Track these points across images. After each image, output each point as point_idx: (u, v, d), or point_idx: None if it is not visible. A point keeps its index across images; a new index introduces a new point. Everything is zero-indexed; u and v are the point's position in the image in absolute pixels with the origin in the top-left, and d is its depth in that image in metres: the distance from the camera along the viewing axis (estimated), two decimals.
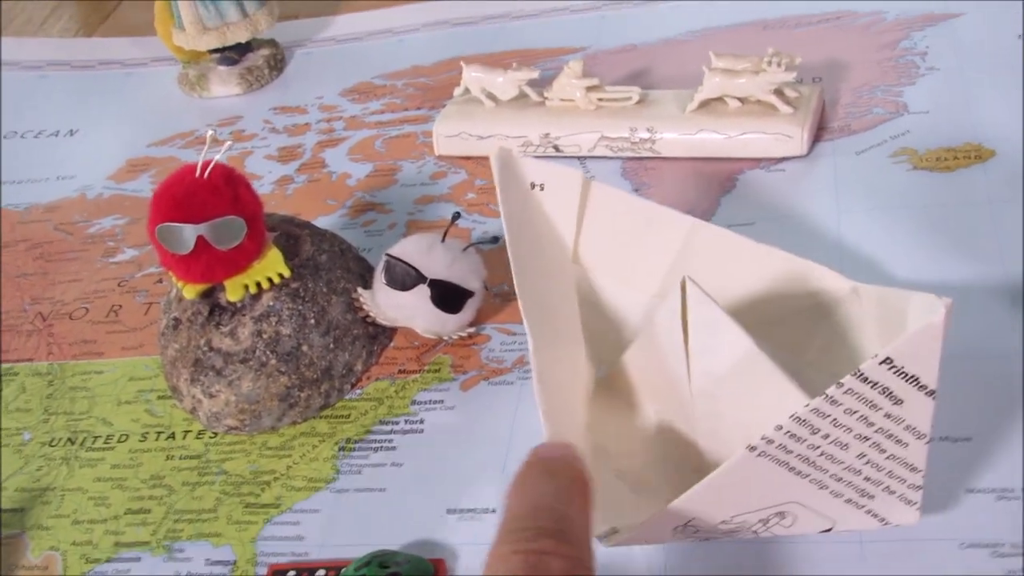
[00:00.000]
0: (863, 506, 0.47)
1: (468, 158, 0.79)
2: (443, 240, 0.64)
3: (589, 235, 0.59)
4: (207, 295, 0.64)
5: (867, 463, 0.45)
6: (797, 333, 0.55)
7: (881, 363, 0.41)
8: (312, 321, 0.63)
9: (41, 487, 0.64)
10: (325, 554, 0.56)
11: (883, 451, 0.44)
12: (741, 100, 0.73)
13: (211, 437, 0.64)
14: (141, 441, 0.65)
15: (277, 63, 0.96)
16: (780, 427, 0.42)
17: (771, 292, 0.56)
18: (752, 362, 0.49)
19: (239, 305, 0.63)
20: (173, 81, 0.99)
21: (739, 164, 0.72)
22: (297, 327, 0.62)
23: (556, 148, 0.77)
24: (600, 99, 0.76)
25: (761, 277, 0.56)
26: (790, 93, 0.73)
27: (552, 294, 0.56)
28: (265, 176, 0.84)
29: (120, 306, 0.76)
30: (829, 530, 0.48)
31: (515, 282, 0.53)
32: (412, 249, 0.64)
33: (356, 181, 0.81)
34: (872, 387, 0.42)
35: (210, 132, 0.63)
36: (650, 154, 0.75)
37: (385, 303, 0.64)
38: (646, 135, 0.74)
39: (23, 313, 0.78)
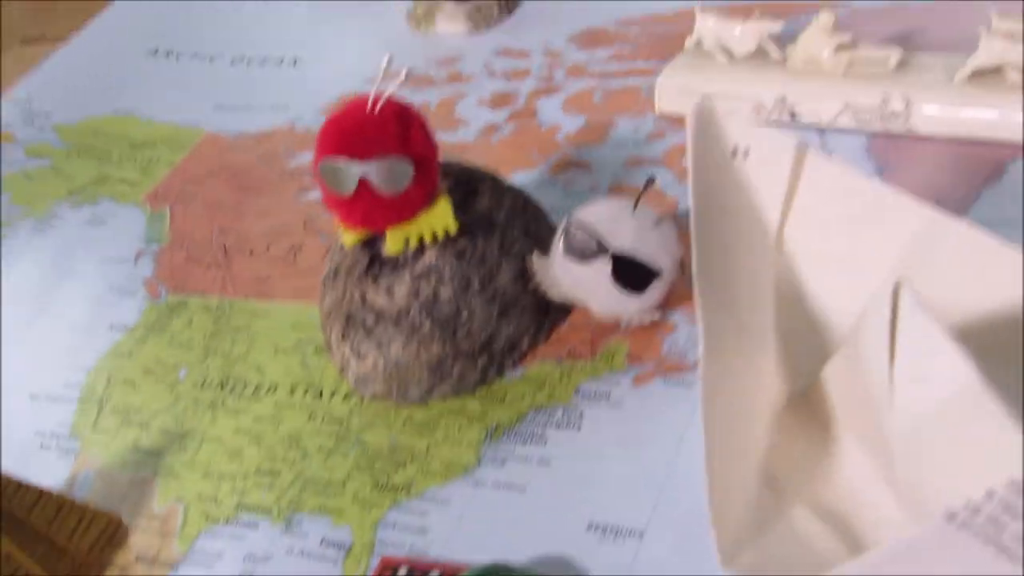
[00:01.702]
0: None
1: None
2: (634, 209, 0.55)
3: (799, 217, 0.48)
4: (369, 245, 0.58)
5: None
6: None
7: None
8: (477, 285, 0.55)
9: (183, 431, 0.60)
10: (446, 552, 0.49)
11: None
12: None
13: (357, 401, 0.58)
14: (289, 395, 0.60)
15: (509, 3, 0.89)
16: (992, 493, 0.32)
17: (1014, 313, 0.44)
18: (974, 401, 0.38)
19: (400, 259, 0.57)
20: (403, 16, 0.93)
21: (1012, 150, 0.59)
22: (459, 290, 0.55)
23: (792, 115, 0.66)
24: (851, 61, 0.65)
25: (1015, 297, 0.44)
26: None
27: (742, 285, 0.47)
28: (472, 122, 0.77)
29: (301, 246, 0.71)
30: None
31: (694, 265, 0.44)
32: (598, 215, 0.56)
33: (565, 135, 0.72)
34: None
35: (386, 58, 0.55)
36: (903, 130, 0.63)
37: (561, 274, 0.56)
38: (900, 107, 0.62)
39: (209, 245, 0.74)
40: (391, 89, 0.54)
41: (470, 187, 0.59)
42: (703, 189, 0.46)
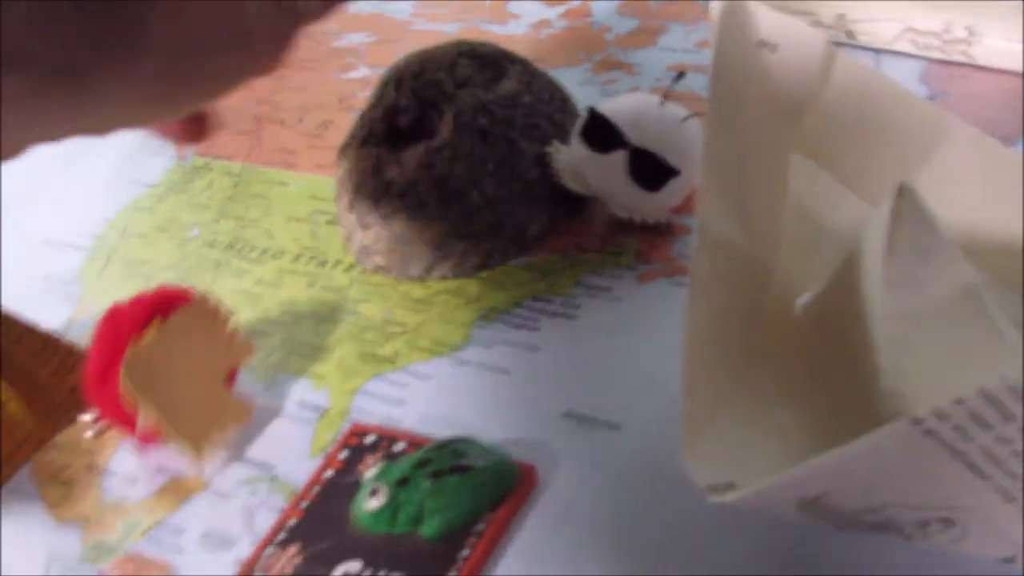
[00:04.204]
0: None
1: None
2: (662, 104, 0.53)
3: (822, 119, 0.46)
4: (390, 115, 0.56)
5: None
6: None
7: None
8: (492, 166, 0.54)
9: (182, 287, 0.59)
10: (420, 425, 0.48)
11: None
12: None
13: (359, 273, 0.57)
14: (292, 261, 0.59)
15: None
16: (961, 401, 0.29)
17: None
18: (965, 307, 0.35)
19: (419, 133, 0.55)
20: None
21: None
22: (472, 169, 0.53)
23: (849, 34, 0.63)
24: None
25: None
26: None
27: (752, 182, 0.44)
28: (523, 16, 0.75)
29: (332, 122, 0.70)
30: (1012, 560, 0.34)
31: (703, 154, 0.42)
32: (622, 108, 0.53)
33: (615, 35, 0.70)
34: None
35: None
36: (963, 59, 0.59)
37: (580, 164, 0.54)
38: (963, 34, 0.59)
39: (243, 113, 0.73)
40: None
41: (499, 69, 0.57)
42: (723, 78, 0.43)
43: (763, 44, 0.45)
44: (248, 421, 0.50)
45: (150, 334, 0.48)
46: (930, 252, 0.36)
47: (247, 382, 0.52)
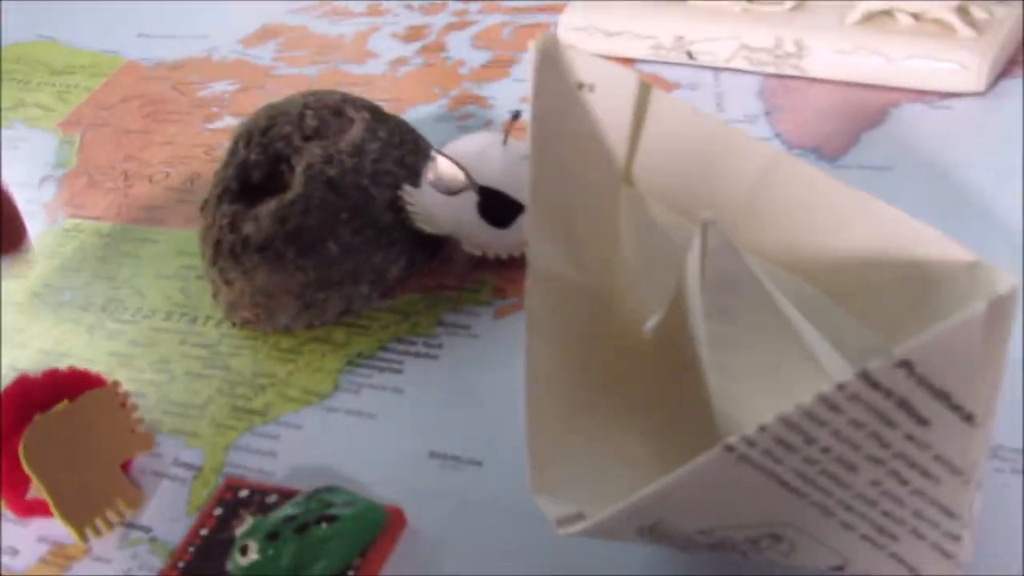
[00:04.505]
0: (883, 547, 0.35)
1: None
2: (504, 142, 0.55)
3: (646, 152, 0.48)
4: (242, 172, 0.57)
5: (884, 494, 0.33)
6: (880, 312, 0.43)
7: (896, 366, 0.30)
8: (345, 215, 0.55)
9: (59, 351, 0.60)
10: (292, 477, 0.49)
11: (905, 482, 0.33)
12: (915, 16, 0.60)
13: (229, 327, 0.58)
14: (164, 320, 0.60)
15: None
16: (764, 428, 0.32)
17: (858, 255, 0.44)
18: (775, 334, 0.38)
19: (271, 188, 0.57)
20: None
21: (896, 95, 0.59)
22: (325, 220, 0.55)
23: (689, 54, 0.65)
24: (749, 1, 0.64)
25: (849, 234, 0.44)
26: (978, 14, 0.58)
27: (580, 214, 0.46)
28: (382, 55, 0.76)
29: (199, 175, 0.71)
30: (841, 568, 0.37)
31: (528, 189, 0.43)
32: (467, 149, 0.55)
33: (469, 70, 0.72)
34: (886, 397, 0.30)
35: None
36: (795, 72, 0.62)
37: (431, 207, 0.56)
38: (792, 49, 0.62)
39: (111, 170, 0.74)
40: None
41: (344, 117, 0.59)
42: (544, 122, 0.45)
43: (581, 86, 0.47)
44: (137, 509, 0.50)
45: (57, 409, 0.49)
46: (737, 284, 0.38)
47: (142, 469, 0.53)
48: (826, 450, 0.32)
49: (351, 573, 0.44)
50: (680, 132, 0.47)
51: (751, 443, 0.32)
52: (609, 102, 0.47)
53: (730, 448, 0.33)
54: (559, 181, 0.45)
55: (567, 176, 0.46)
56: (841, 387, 0.30)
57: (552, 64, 0.46)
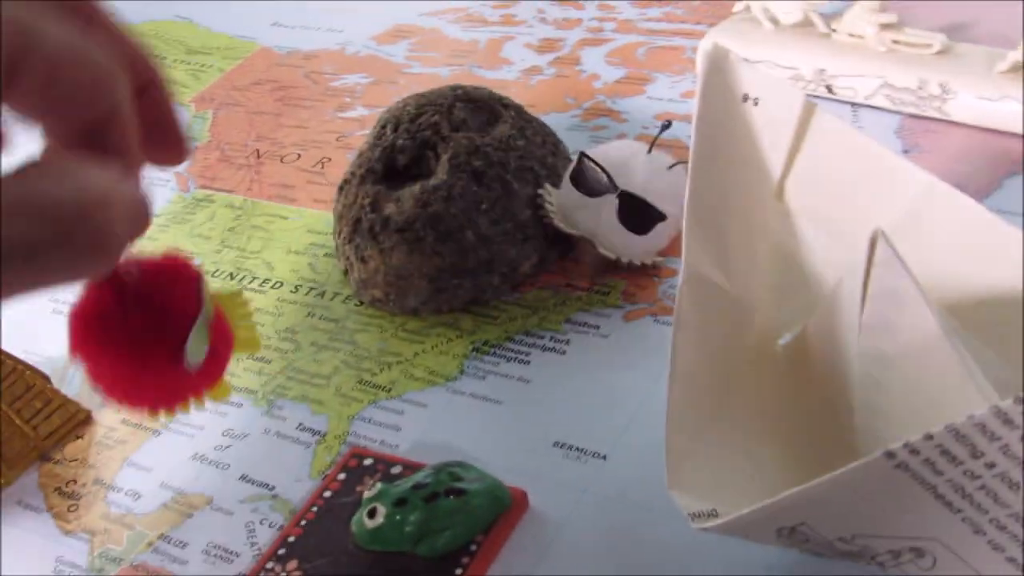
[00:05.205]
0: None
1: None
2: (649, 151, 0.56)
3: (802, 170, 0.48)
4: (386, 154, 0.59)
5: None
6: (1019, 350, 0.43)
7: None
8: (485, 206, 0.56)
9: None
10: (415, 452, 0.50)
11: None
12: None
13: (356, 305, 0.59)
14: (292, 292, 0.62)
15: None
16: (930, 437, 0.32)
17: (1006, 292, 0.44)
18: (934, 351, 0.38)
19: (416, 172, 0.58)
20: None
21: None
22: (466, 208, 0.56)
23: (829, 88, 0.66)
24: (895, 40, 0.65)
25: (999, 270, 0.44)
26: None
27: (734, 227, 0.47)
28: (516, 63, 0.78)
29: (329, 159, 0.72)
30: None
31: (686, 199, 0.44)
32: (611, 154, 0.56)
33: (603, 84, 0.73)
34: None
35: None
36: (936, 114, 0.63)
37: (570, 207, 0.57)
38: (936, 91, 0.62)
39: (244, 147, 0.76)
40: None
41: (493, 113, 0.60)
42: (707, 130, 0.46)
43: (746, 98, 0.48)
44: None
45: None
46: (902, 299, 0.38)
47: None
48: (991, 465, 0.32)
49: (473, 547, 0.44)
50: (838, 153, 0.47)
51: (914, 451, 0.32)
52: (772, 116, 0.48)
53: (891, 455, 0.33)
54: (715, 186, 0.46)
55: (723, 183, 0.46)
56: (1019, 399, 0.30)
57: (720, 73, 0.47)
